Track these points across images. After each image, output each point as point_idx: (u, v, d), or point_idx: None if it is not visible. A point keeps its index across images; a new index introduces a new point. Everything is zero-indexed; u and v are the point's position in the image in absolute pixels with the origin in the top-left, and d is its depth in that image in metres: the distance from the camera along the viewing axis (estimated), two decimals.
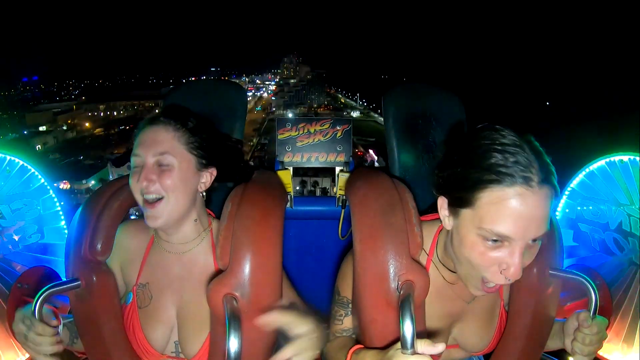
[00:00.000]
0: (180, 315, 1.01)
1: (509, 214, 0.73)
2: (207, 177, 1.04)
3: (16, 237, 2.01)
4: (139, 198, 0.97)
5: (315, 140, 1.62)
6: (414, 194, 1.04)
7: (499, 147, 0.74)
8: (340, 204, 1.60)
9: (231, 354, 0.71)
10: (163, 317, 1.01)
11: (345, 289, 1.00)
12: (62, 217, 2.08)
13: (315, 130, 1.62)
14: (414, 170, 1.39)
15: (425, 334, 0.90)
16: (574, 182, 1.86)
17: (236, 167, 1.14)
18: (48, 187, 2.07)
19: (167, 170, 0.96)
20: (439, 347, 0.69)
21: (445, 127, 1.46)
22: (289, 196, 1.58)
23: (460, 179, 0.78)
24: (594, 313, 0.94)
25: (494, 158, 0.73)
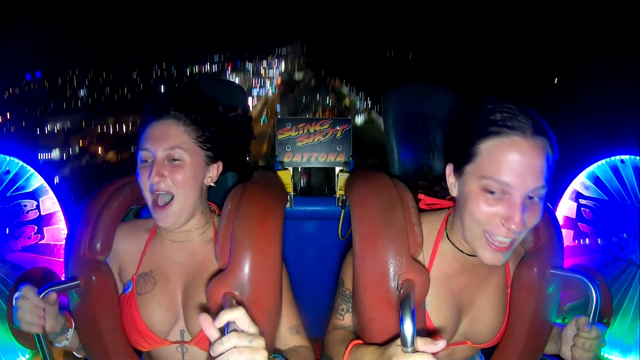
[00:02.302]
0: (184, 301, 1.01)
1: (507, 162, 0.79)
2: (214, 171, 1.04)
3: (16, 238, 2.02)
4: (148, 197, 0.97)
5: (315, 140, 1.63)
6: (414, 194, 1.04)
7: (498, 108, 0.83)
8: (340, 204, 1.60)
9: None
10: (166, 302, 1.01)
11: (349, 281, 1.00)
12: (62, 218, 2.08)
13: (315, 130, 1.62)
14: (414, 170, 1.39)
15: (425, 332, 0.90)
16: (574, 182, 1.86)
17: (241, 160, 1.14)
18: (48, 188, 2.08)
19: (179, 166, 0.96)
20: (439, 345, 0.69)
21: (445, 127, 1.46)
22: (289, 196, 1.58)
23: (463, 136, 0.87)
24: (595, 312, 0.94)
25: (492, 115, 0.82)
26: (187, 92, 1.07)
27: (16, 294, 0.92)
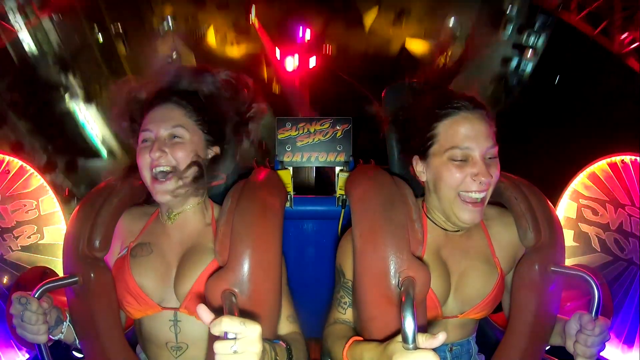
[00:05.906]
0: (177, 274, 1.01)
1: (463, 131, 0.97)
2: (212, 156, 1.05)
3: (16, 238, 2.02)
4: (146, 175, 0.97)
5: (315, 139, 1.63)
6: (414, 192, 1.04)
7: (441, 97, 1.02)
8: (340, 204, 1.60)
9: None
10: (160, 269, 1.01)
11: (350, 271, 1.01)
12: (62, 218, 2.08)
13: (315, 129, 1.62)
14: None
15: (425, 328, 0.90)
16: (575, 182, 1.87)
17: (240, 150, 1.13)
18: (48, 188, 2.08)
19: (180, 143, 0.98)
20: (440, 338, 0.68)
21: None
22: (289, 196, 1.58)
23: (420, 128, 1.02)
24: (597, 310, 0.94)
25: (439, 103, 1.00)
26: (189, 87, 1.07)
27: (20, 309, 0.90)
